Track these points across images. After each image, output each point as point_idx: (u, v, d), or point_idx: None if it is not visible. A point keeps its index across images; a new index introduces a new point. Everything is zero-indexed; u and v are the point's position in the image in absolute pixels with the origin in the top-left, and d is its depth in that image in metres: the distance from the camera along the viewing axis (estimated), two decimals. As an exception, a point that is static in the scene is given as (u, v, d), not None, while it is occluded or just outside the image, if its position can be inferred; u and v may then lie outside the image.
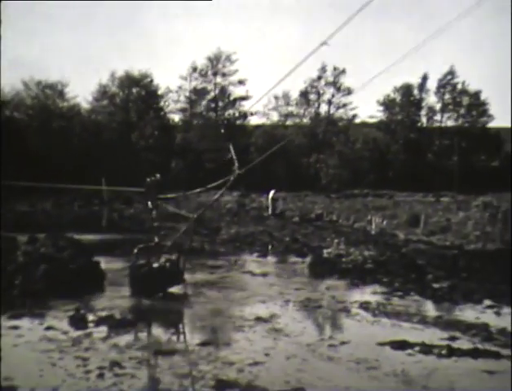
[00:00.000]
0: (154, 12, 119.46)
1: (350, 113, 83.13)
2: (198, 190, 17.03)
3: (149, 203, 16.31)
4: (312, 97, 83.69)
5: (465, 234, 26.89)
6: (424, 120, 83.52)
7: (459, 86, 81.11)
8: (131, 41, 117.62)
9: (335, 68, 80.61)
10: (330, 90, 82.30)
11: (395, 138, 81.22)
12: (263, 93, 75.30)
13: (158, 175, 16.37)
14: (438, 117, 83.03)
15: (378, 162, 77.35)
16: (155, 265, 15.54)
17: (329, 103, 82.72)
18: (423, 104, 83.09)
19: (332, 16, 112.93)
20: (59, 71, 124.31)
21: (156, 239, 16.06)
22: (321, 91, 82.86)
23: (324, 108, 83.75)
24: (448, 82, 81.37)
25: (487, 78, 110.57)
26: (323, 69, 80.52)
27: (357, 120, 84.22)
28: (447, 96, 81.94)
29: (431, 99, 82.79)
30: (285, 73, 12.29)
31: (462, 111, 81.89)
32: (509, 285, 16.89)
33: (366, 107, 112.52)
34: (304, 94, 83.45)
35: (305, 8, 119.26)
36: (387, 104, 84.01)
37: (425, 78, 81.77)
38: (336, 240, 22.71)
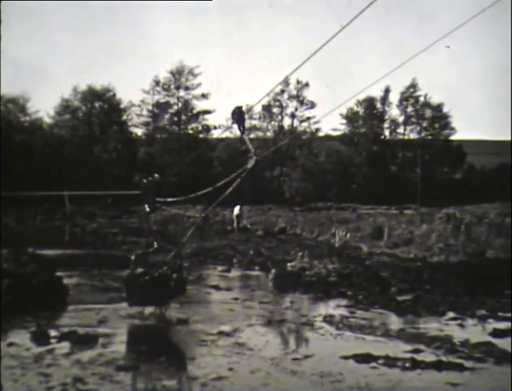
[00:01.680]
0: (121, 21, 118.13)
1: (314, 126, 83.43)
2: (207, 189, 15.54)
3: (146, 206, 15.13)
4: (275, 110, 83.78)
5: (429, 246, 27.10)
6: (387, 132, 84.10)
7: (421, 99, 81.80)
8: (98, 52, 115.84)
9: (298, 82, 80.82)
10: (293, 104, 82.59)
11: (359, 150, 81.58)
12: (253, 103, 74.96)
13: (156, 175, 15.27)
14: (401, 130, 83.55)
15: (342, 175, 77.63)
16: (155, 273, 14.37)
17: (293, 116, 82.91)
18: (386, 117, 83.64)
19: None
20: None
21: (156, 245, 15.42)
22: (284, 105, 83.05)
23: (287, 122, 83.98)
24: (410, 95, 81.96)
25: (449, 91, 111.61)
26: (286, 83, 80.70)
27: (320, 134, 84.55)
28: (409, 109, 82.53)
29: (394, 112, 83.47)
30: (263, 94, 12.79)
31: (425, 123, 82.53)
32: (471, 297, 17.08)
33: (329, 121, 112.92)
34: (267, 108, 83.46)
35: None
36: (350, 117, 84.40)
37: (387, 91, 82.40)
38: (300, 254, 22.71)
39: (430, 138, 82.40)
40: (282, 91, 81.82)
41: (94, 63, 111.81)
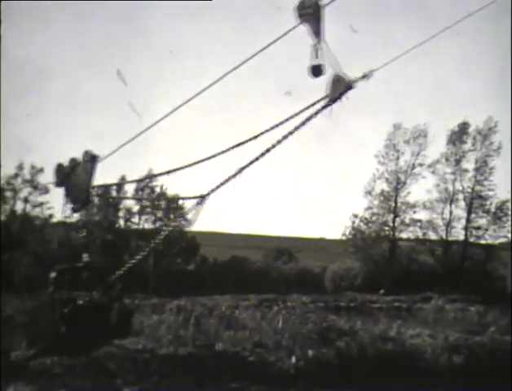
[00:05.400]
0: None
1: (47, 212, 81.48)
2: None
3: (68, 201, 10.08)
4: (8, 194, 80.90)
5: (158, 337, 27.11)
6: (122, 221, 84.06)
7: (157, 189, 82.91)
8: None
9: (33, 167, 78.94)
10: (27, 189, 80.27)
11: (92, 238, 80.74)
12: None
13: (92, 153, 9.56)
14: (136, 219, 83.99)
15: (74, 262, 76.15)
16: (82, 301, 9.08)
17: (26, 201, 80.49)
18: (121, 206, 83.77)
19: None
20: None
21: (86, 257, 10.08)
22: (18, 189, 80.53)
23: (20, 206, 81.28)
24: (146, 185, 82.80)
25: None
26: (20, 167, 78.52)
27: (54, 220, 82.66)
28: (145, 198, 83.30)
29: (129, 202, 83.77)
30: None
31: (160, 214, 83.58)
32: (199, 389, 17.22)
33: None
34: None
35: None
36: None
37: (124, 179, 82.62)
38: (24, 343, 21.77)
39: (164, 228, 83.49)
40: (16, 175, 79.46)
41: None
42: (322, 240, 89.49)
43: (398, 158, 76.24)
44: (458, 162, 74.75)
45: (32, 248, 76.17)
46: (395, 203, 77.21)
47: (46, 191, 79.41)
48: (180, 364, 21.32)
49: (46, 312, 8.62)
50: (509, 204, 73.19)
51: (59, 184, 10.23)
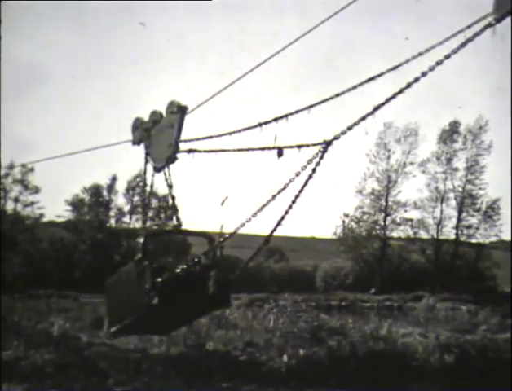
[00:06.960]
0: None
1: (38, 212, 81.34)
2: None
3: (153, 157, 8.84)
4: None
5: (150, 337, 27.02)
6: (113, 221, 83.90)
7: (148, 189, 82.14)
8: None
9: (23, 165, 78.70)
10: (17, 188, 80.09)
11: (83, 238, 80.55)
12: None
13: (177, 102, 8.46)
14: (127, 219, 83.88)
15: (64, 262, 76.11)
16: (180, 268, 8.30)
17: (16, 200, 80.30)
18: (112, 205, 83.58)
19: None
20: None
21: (178, 220, 9.26)
22: (8, 188, 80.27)
23: (10, 206, 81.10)
24: (137, 184, 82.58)
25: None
26: (10, 166, 78.28)
27: (44, 219, 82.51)
28: (136, 198, 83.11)
29: (120, 201, 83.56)
30: None
31: (151, 213, 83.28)
32: (189, 389, 17.17)
33: (54, 207, 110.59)
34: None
35: None
36: (76, 204, 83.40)
37: (114, 179, 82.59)
38: (15, 342, 21.68)
39: (156, 227, 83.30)
40: (7, 175, 79.23)
41: None
42: (313, 239, 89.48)
43: (389, 157, 76.21)
44: (449, 161, 74.77)
45: (22, 248, 75.99)
46: (386, 202, 77.18)
47: (36, 190, 79.32)
48: (171, 364, 21.24)
49: (132, 282, 7.58)
50: (499, 203, 73.28)
51: (137, 142, 8.86)
